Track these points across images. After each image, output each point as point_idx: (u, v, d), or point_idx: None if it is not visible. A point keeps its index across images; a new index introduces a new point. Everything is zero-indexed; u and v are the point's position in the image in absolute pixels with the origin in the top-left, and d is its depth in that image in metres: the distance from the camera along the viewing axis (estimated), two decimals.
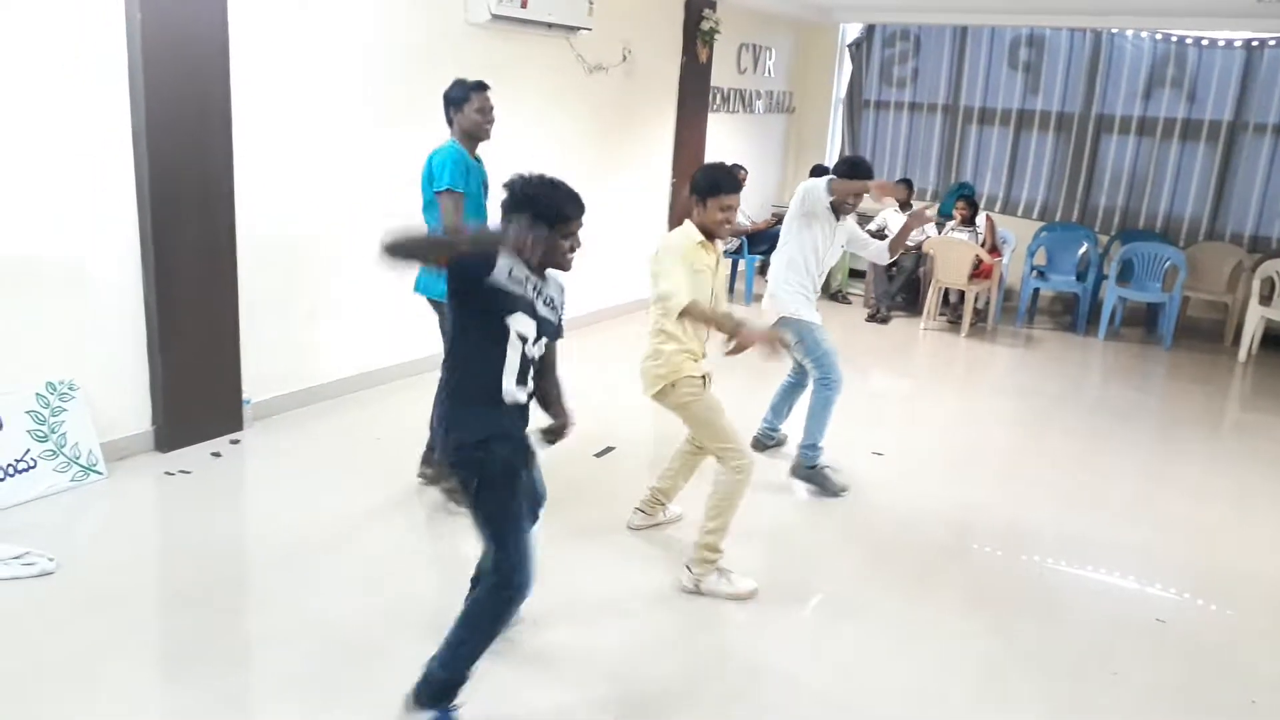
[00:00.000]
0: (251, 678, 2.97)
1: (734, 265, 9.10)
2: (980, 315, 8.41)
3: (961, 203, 8.35)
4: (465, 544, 3.93)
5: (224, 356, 4.70)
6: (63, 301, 4.10)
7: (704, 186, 3.55)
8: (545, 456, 2.83)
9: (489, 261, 2.48)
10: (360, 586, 3.45)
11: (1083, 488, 4.88)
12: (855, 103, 10.04)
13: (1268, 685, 3.23)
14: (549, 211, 2.55)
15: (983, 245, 8.16)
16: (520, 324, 2.56)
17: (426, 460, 4.26)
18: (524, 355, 2.60)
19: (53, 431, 4.02)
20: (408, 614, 3.28)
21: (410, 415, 5.25)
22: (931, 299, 8.28)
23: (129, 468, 4.28)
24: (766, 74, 9.61)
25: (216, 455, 4.50)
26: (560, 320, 2.76)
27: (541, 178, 2.61)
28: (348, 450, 4.74)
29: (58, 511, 3.85)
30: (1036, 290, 8.74)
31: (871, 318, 8.43)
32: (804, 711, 2.91)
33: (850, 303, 9.00)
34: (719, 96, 8.82)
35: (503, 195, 2.60)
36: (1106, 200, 9.16)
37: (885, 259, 5.06)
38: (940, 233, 8.35)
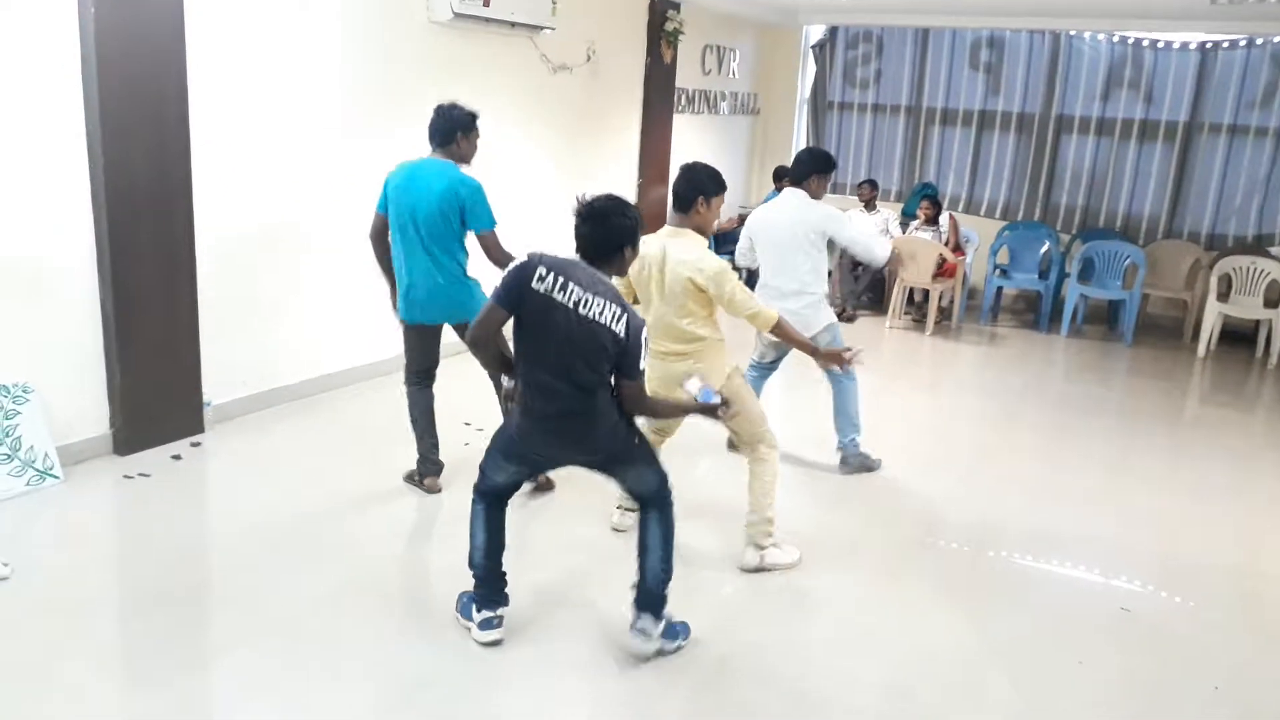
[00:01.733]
0: (214, 679, 2.91)
1: None
2: (945, 314, 8.48)
3: (925, 202, 8.43)
4: (427, 545, 3.93)
5: (183, 358, 4.62)
6: (16, 303, 4.00)
7: (712, 186, 3.56)
8: None
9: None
10: (325, 584, 3.40)
11: (1048, 481, 4.93)
12: (820, 104, 10.10)
13: (1229, 672, 3.27)
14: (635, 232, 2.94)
15: (946, 244, 8.23)
16: None
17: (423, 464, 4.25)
18: None
19: (6, 435, 3.93)
20: (372, 612, 3.24)
21: (373, 417, 5.22)
22: (896, 298, 8.33)
23: (86, 471, 4.19)
24: (731, 75, 9.64)
25: (177, 458, 4.42)
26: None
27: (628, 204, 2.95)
28: (310, 452, 4.67)
29: (12, 516, 3.76)
30: (1000, 289, 8.83)
31: (838, 317, 8.45)
32: (773, 703, 2.90)
33: None
34: (684, 97, 8.83)
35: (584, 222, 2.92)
36: (1067, 199, 9.28)
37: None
38: (904, 232, 8.41)
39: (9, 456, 3.92)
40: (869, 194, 8.62)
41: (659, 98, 8.32)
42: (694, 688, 2.98)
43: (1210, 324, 7.84)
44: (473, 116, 4.01)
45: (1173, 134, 8.72)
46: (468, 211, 3.87)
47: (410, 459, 4.26)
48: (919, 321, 8.37)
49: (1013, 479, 4.94)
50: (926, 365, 7.48)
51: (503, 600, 3.14)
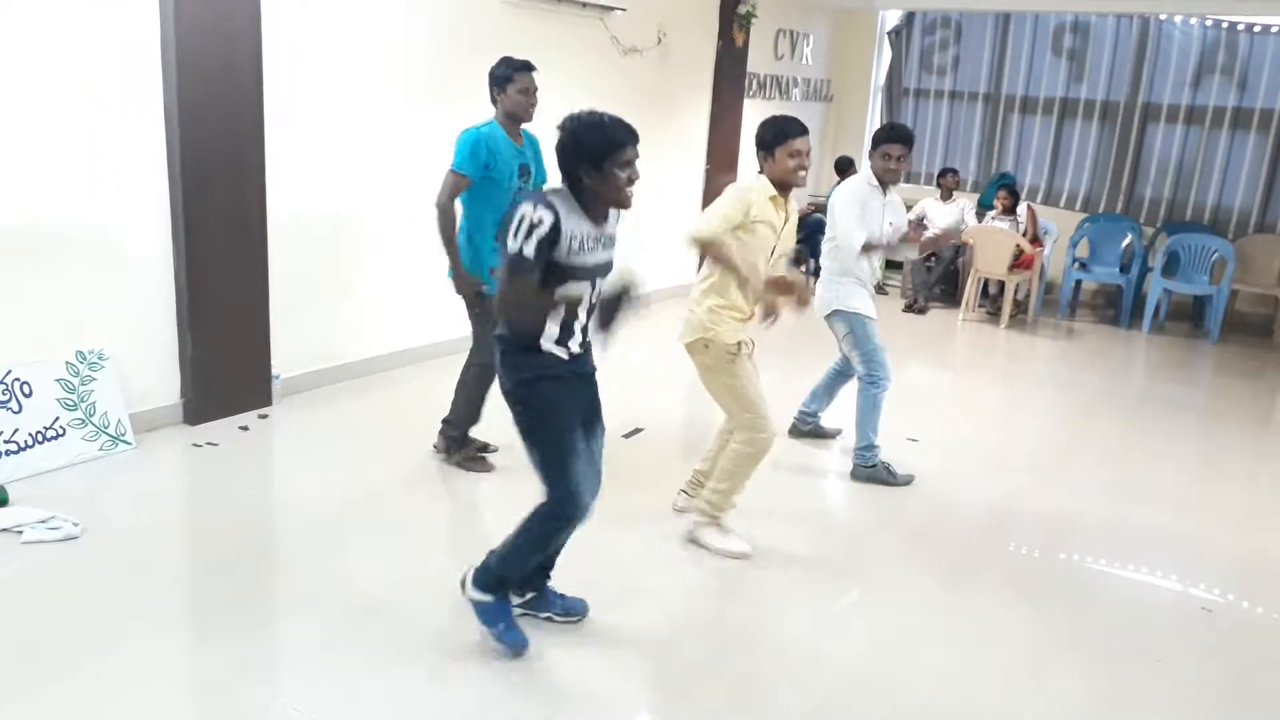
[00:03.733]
0: (274, 641, 2.94)
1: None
2: (1020, 307, 8.24)
3: (1003, 192, 8.18)
4: (487, 515, 3.92)
5: (254, 331, 4.69)
6: (94, 273, 4.10)
7: (769, 137, 3.39)
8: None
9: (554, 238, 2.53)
10: (384, 555, 3.41)
11: (1125, 478, 4.73)
12: (895, 91, 9.88)
13: None
14: (598, 148, 2.56)
15: (1024, 235, 7.99)
16: (572, 290, 2.64)
17: (447, 434, 4.23)
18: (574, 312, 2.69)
19: (82, 400, 4.03)
20: (430, 581, 3.23)
21: (438, 394, 5.23)
22: (970, 290, 8.12)
23: (157, 439, 4.28)
24: (804, 61, 9.48)
25: (244, 429, 4.49)
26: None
27: (585, 114, 2.61)
28: (372, 427, 4.72)
29: (85, 479, 3.85)
30: (1078, 282, 8.54)
31: (909, 308, 8.29)
32: (835, 690, 2.83)
33: (887, 293, 8.85)
34: (755, 82, 8.71)
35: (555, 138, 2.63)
36: (1152, 191, 8.94)
37: (904, 254, 4.91)
38: (980, 222, 8.19)
39: (83, 422, 4.02)
40: (953, 183, 8.43)
41: (729, 82, 8.22)
42: (750, 673, 2.91)
43: None
44: (509, 68, 3.88)
45: (1267, 123, 8.33)
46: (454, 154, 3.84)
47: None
48: (993, 315, 8.14)
49: (1088, 474, 4.76)
50: (1000, 359, 7.26)
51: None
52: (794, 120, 3.44)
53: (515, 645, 2.85)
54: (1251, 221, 8.51)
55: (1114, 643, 3.23)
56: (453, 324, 5.87)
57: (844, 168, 8.81)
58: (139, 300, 4.28)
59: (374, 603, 3.10)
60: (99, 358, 4.13)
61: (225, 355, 4.56)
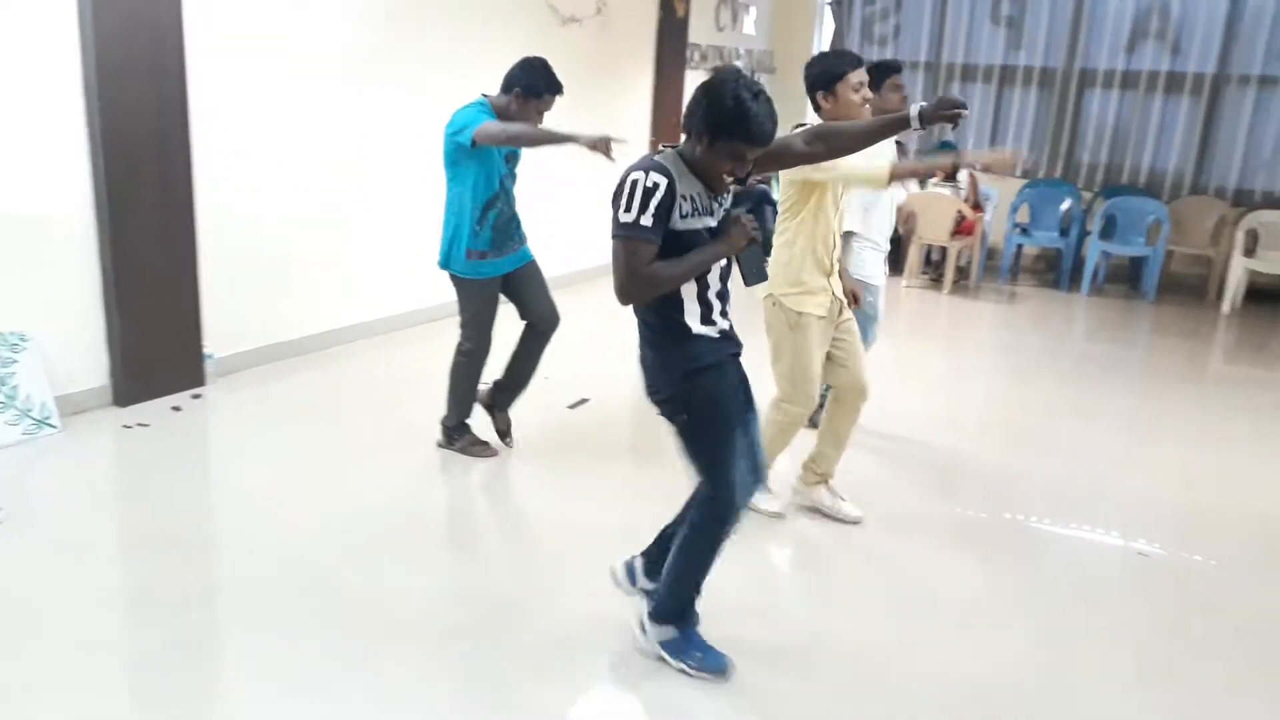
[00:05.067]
0: (213, 617, 2.86)
1: None
2: (963, 273, 8.32)
3: None
4: (426, 490, 3.85)
5: (184, 310, 4.56)
6: (13, 253, 3.94)
7: (825, 74, 3.15)
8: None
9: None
10: (320, 532, 3.34)
11: (1067, 436, 4.80)
12: None
13: (1252, 615, 3.16)
14: (727, 121, 2.28)
15: (965, 202, 8.06)
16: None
17: (445, 427, 4.10)
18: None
19: (2, 384, 3.89)
20: (367, 554, 3.18)
21: (381, 371, 5.17)
22: (913, 257, 8.18)
23: (85, 421, 4.15)
24: (747, 31, 9.44)
25: (177, 409, 4.37)
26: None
27: (725, 76, 2.34)
28: (313, 406, 4.62)
29: (8, 463, 3.72)
30: (1019, 247, 8.65)
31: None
32: (780, 641, 2.83)
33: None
34: (697, 53, 8.65)
35: None
36: (1090, 156, 9.05)
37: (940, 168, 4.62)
38: (923, 189, 8.24)
39: (4, 405, 3.88)
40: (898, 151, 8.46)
41: (672, 53, 8.16)
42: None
43: (1235, 281, 7.65)
44: (542, 84, 3.68)
45: (1200, 87, 8.46)
46: (462, 128, 3.61)
47: (413, 415, 4.21)
48: (936, 281, 8.22)
49: (1032, 433, 4.82)
50: (944, 324, 7.33)
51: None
52: (846, 52, 3.25)
53: (721, 667, 2.61)
54: (1185, 184, 8.65)
55: (1055, 589, 3.28)
56: (395, 299, 5.83)
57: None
58: (63, 281, 4.13)
59: (312, 579, 3.04)
60: (20, 339, 3.98)
61: (154, 334, 4.42)
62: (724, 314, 2.53)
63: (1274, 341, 7.11)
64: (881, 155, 3.29)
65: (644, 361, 2.53)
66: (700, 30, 8.58)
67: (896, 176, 3.23)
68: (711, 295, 2.48)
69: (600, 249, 7.37)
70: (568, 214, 6.61)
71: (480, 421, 4.09)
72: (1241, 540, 3.73)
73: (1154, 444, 4.79)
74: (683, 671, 2.61)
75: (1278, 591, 3.36)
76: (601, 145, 3.52)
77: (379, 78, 5.42)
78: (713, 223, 2.43)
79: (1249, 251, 7.70)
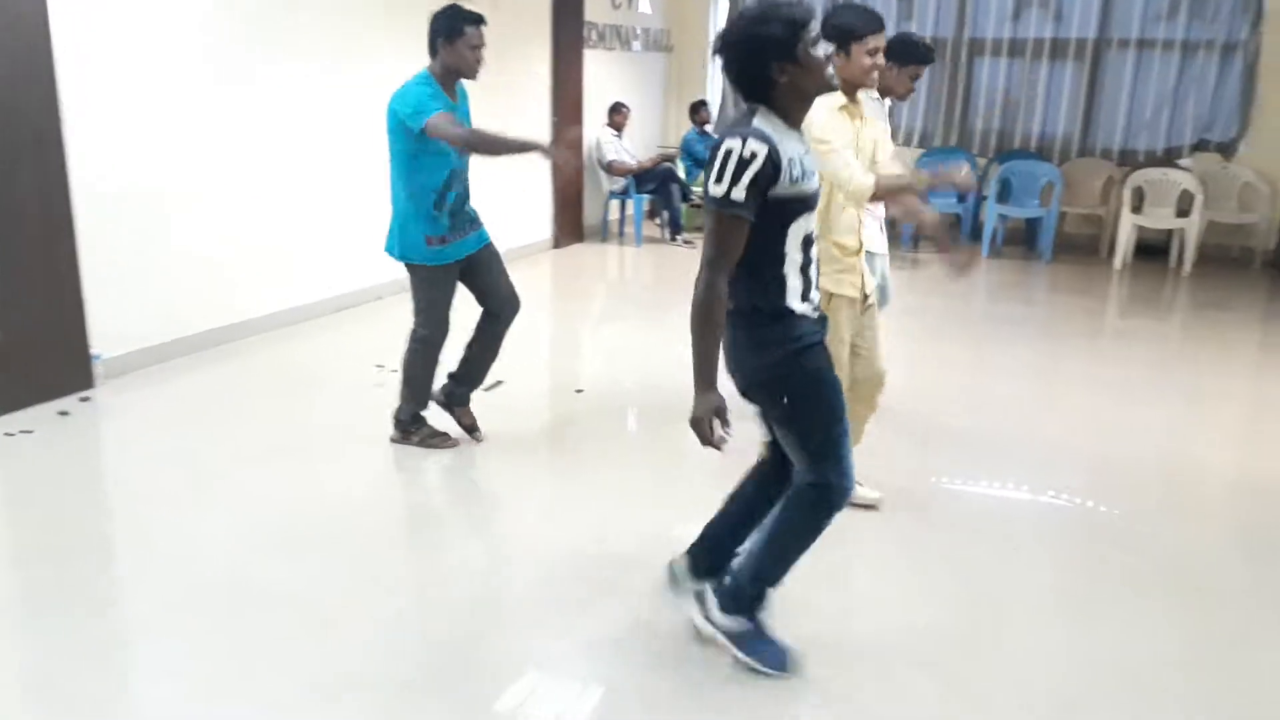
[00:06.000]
0: (111, 626, 2.70)
1: (621, 206, 8.95)
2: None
3: None
4: (330, 489, 3.72)
5: (66, 311, 4.33)
6: None
7: (842, 30, 2.93)
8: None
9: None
10: (217, 536, 3.19)
11: (971, 390, 4.91)
12: None
13: (1161, 554, 3.26)
14: (786, 33, 2.13)
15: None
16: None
17: (398, 420, 3.94)
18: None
19: None
20: (269, 554, 3.05)
21: (285, 365, 4.99)
22: None
23: None
24: (643, 10, 9.40)
25: (64, 414, 4.14)
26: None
27: (748, 9, 2.21)
28: (211, 404, 4.44)
29: None
30: None
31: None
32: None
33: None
34: (594, 32, 8.58)
35: None
36: (983, 123, 9.27)
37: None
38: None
39: None
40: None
41: (568, 32, 8.07)
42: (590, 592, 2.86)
43: (1125, 237, 7.93)
44: (457, 20, 3.47)
45: (1083, 52, 8.74)
46: (408, 116, 3.41)
47: (328, 409, 4.07)
48: None
49: (937, 388, 4.91)
50: None
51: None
52: (873, 13, 3.01)
53: (785, 661, 2.46)
54: (1074, 146, 8.94)
55: (979, 539, 3.33)
56: (297, 290, 5.64)
57: (697, 109, 9.05)
58: None
59: (211, 577, 2.91)
60: None
61: (36, 337, 4.19)
62: (817, 288, 2.36)
63: (1163, 294, 7.41)
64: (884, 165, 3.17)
65: (739, 343, 2.30)
66: (596, 9, 8.51)
67: (879, 197, 3.02)
68: (813, 271, 2.33)
69: (510, 233, 7.25)
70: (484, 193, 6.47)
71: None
72: (1146, 483, 3.85)
73: (1054, 396, 4.93)
74: (749, 666, 2.46)
75: (1177, 524, 3.49)
76: (561, 158, 3.45)
77: (246, 66, 5.20)
78: (816, 183, 2.29)
79: (1136, 209, 8.00)
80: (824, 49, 2.23)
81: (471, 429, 4.00)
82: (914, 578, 3.06)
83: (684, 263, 8.04)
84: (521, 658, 2.56)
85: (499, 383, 4.68)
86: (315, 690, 2.38)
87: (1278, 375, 5.52)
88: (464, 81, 3.66)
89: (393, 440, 3.92)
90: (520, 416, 4.34)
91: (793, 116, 2.23)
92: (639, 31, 9.37)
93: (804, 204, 2.23)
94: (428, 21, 3.55)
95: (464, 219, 3.72)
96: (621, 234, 9.01)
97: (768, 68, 2.15)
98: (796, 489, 2.39)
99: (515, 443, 4.02)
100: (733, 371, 2.34)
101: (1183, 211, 7.95)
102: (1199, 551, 3.30)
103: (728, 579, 2.51)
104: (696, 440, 2.21)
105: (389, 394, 4.04)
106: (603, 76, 8.74)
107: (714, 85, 10.11)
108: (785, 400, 2.30)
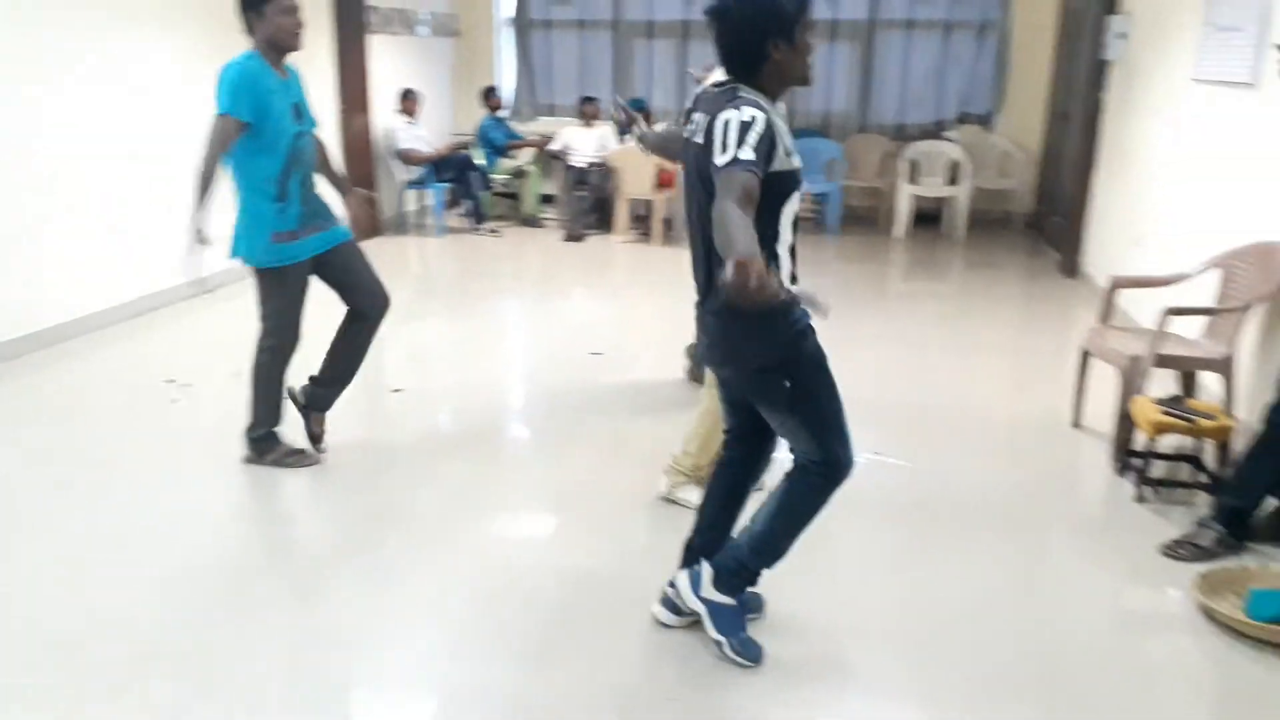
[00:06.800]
0: None
1: (419, 196, 8.70)
2: (670, 224, 8.59)
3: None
4: (166, 495, 3.43)
5: None
6: None
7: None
8: None
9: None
10: (65, 537, 2.88)
11: None
12: (523, 23, 9.83)
13: (965, 495, 3.52)
14: (794, 11, 2.15)
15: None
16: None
17: (250, 438, 3.61)
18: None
19: None
20: (101, 567, 2.77)
21: (116, 367, 4.68)
22: (622, 213, 8.34)
23: None
24: None
25: None
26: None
27: None
28: (41, 411, 4.12)
29: None
30: None
31: (568, 238, 8.37)
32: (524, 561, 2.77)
33: (544, 226, 8.89)
34: (377, 16, 8.26)
35: None
36: None
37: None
38: (621, 144, 8.41)
39: None
40: (593, 111, 8.67)
41: (349, 16, 7.72)
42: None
43: (904, 207, 8.47)
44: None
45: (856, 33, 9.23)
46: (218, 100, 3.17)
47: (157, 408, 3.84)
48: (646, 235, 8.44)
49: None
50: (662, 273, 7.53)
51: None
52: None
53: (756, 654, 2.48)
54: (853, 123, 9.45)
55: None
56: (147, 282, 5.30)
57: (489, 94, 8.97)
58: None
59: (62, 587, 2.61)
60: None
61: None
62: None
63: (939, 257, 7.96)
64: None
65: (733, 332, 2.29)
66: None
67: None
68: (795, 253, 2.31)
69: None
70: None
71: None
72: (948, 430, 4.14)
73: (850, 353, 5.20)
74: (719, 645, 2.49)
75: (984, 468, 3.77)
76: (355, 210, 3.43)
77: (56, 51, 4.69)
78: (799, 161, 2.25)
79: (912, 179, 8.55)
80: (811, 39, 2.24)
81: (317, 439, 3.72)
82: None
83: (490, 252, 7.91)
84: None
85: (399, 389, 4.51)
86: None
87: (1041, 325, 6.06)
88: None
89: (245, 461, 3.61)
90: (345, 420, 4.13)
91: (775, 97, 2.24)
92: (423, 15, 9.10)
93: (795, 181, 2.23)
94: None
95: (315, 210, 3.44)
96: (422, 225, 8.76)
97: (765, 43, 2.15)
98: (800, 468, 2.41)
99: (361, 448, 3.82)
100: (724, 364, 2.36)
101: (952, 180, 8.57)
102: (1002, 486, 3.60)
103: (729, 558, 2.50)
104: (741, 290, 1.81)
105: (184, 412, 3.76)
106: (389, 62, 8.44)
107: (503, 71, 9.97)
108: (789, 384, 2.28)
